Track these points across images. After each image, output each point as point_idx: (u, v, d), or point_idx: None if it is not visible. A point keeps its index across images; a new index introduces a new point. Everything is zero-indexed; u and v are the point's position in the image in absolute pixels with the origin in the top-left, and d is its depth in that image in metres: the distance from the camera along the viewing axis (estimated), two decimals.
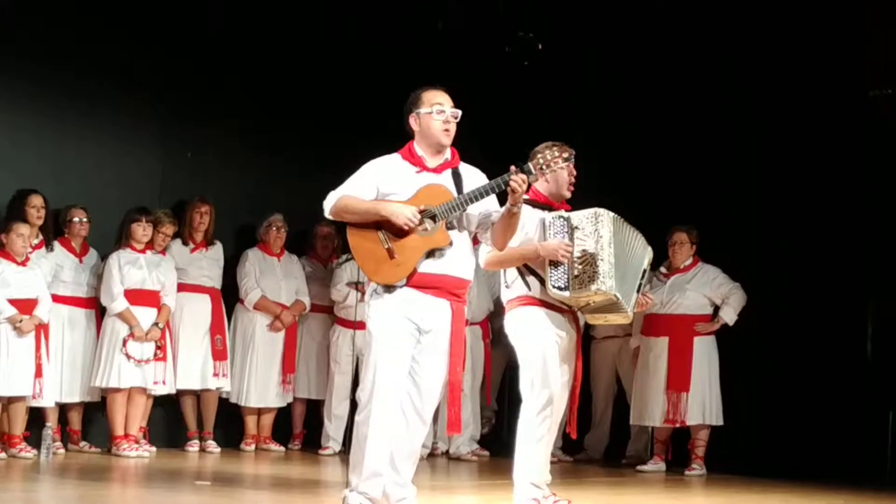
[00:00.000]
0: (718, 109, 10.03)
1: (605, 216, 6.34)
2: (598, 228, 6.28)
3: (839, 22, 9.60)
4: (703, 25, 10.07)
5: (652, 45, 10.32)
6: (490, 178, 5.93)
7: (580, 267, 6.24)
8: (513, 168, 5.75)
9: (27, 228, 8.31)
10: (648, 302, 6.72)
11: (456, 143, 5.99)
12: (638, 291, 6.46)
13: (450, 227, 5.84)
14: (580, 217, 6.33)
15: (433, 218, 5.78)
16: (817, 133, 9.61)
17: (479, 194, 5.79)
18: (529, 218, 6.30)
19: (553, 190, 6.51)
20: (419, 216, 5.74)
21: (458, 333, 5.90)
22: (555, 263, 6.25)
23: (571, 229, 6.29)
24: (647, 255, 6.53)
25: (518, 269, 6.43)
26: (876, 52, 9.56)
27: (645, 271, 6.50)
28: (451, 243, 5.81)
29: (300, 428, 9.88)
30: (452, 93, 6.01)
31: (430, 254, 5.79)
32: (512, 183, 5.71)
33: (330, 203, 5.88)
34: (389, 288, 5.78)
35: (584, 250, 6.25)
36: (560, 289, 6.26)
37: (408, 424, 5.82)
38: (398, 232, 5.76)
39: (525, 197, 5.86)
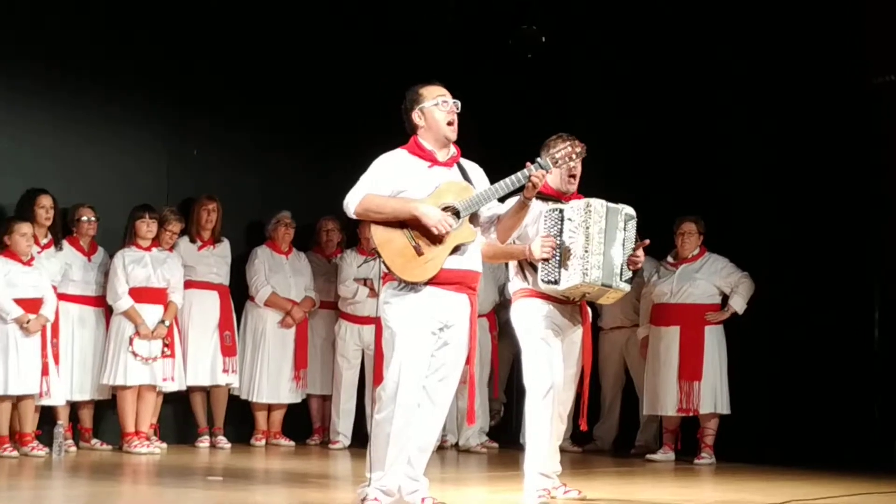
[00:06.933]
0: (722, 99, 10.05)
1: (597, 206, 6.36)
2: (587, 219, 6.31)
3: (841, 9, 9.60)
4: (706, 15, 10.07)
5: (655, 35, 10.33)
6: (491, 173, 5.98)
7: (569, 260, 6.28)
8: (529, 164, 5.81)
9: (29, 227, 8.32)
10: (637, 259, 6.51)
11: (458, 136, 6.01)
12: (620, 258, 6.39)
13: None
14: (572, 209, 6.37)
15: (456, 214, 5.81)
16: (821, 122, 9.62)
17: (500, 190, 5.83)
18: (530, 210, 6.35)
19: (559, 183, 6.55)
20: (449, 219, 5.76)
21: (474, 326, 5.96)
22: (545, 259, 6.31)
23: (562, 222, 6.33)
24: (621, 217, 6.42)
25: (518, 262, 6.51)
26: (877, 39, 9.56)
27: (622, 233, 6.40)
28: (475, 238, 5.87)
29: (318, 423, 9.91)
30: (455, 85, 6.03)
31: (454, 249, 5.82)
32: (534, 178, 5.79)
33: (354, 203, 5.84)
34: (414, 286, 5.79)
35: (572, 242, 6.29)
36: (549, 283, 6.34)
37: (424, 417, 5.85)
38: (426, 229, 5.77)
39: None
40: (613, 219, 6.40)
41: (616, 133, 10.24)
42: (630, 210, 6.50)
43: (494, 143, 9.00)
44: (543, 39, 10.67)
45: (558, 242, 6.31)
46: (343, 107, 10.18)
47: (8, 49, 8.83)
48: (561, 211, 6.37)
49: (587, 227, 6.31)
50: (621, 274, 6.42)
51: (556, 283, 6.33)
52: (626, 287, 6.49)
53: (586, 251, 6.29)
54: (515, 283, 6.58)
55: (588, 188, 6.66)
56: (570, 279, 6.31)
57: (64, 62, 9.06)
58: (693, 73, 10.13)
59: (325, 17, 10.24)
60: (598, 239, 6.32)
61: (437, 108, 5.91)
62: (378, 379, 6.13)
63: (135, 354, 8.68)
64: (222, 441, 9.30)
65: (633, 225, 6.49)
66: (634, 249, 6.48)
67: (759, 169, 9.89)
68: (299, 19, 10.12)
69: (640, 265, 6.58)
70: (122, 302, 8.74)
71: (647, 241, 6.54)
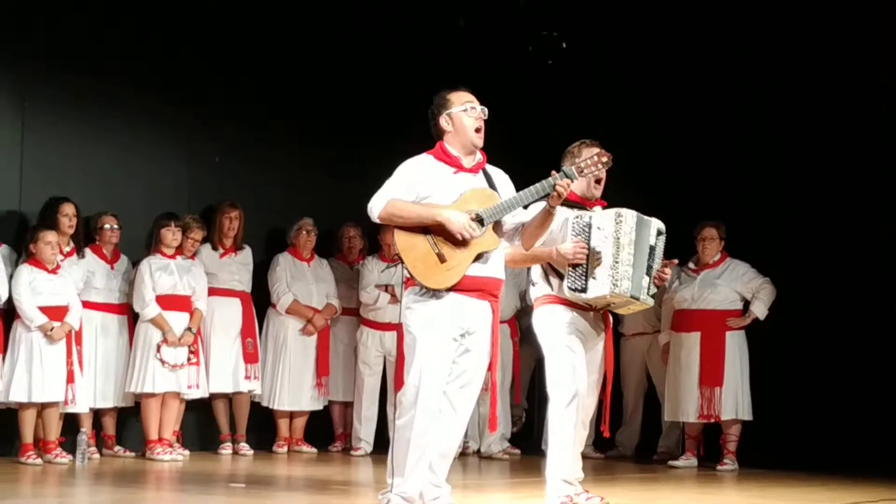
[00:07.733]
0: (738, 105, 10.04)
1: (628, 216, 6.31)
2: (617, 229, 6.26)
3: (853, 14, 9.59)
4: (722, 22, 10.08)
5: (673, 42, 10.34)
6: (514, 179, 5.97)
7: (597, 269, 6.26)
8: (554, 173, 5.80)
9: (54, 236, 8.37)
10: (665, 277, 6.52)
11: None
12: (649, 273, 6.37)
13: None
14: (602, 217, 6.33)
15: (480, 221, 5.80)
16: (835, 126, 9.63)
17: (525, 198, 5.82)
18: (555, 216, 6.33)
19: (584, 189, 6.53)
20: (474, 224, 5.76)
21: (496, 333, 5.96)
22: (573, 265, 6.28)
23: (591, 229, 6.31)
24: (652, 231, 6.39)
25: (542, 268, 6.47)
26: (890, 42, 9.54)
27: (652, 248, 6.38)
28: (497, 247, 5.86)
29: (340, 430, 9.92)
30: (475, 92, 6.04)
31: (477, 257, 5.82)
32: (559, 188, 5.77)
33: (378, 207, 5.84)
34: (436, 292, 5.79)
35: (600, 251, 6.26)
36: (575, 290, 6.28)
37: (446, 424, 5.85)
38: (449, 236, 5.77)
39: None
40: (644, 231, 6.36)
41: (635, 138, 10.22)
42: (660, 224, 6.44)
43: (514, 151, 8.99)
44: (564, 45, 10.68)
45: (590, 252, 6.27)
46: (364, 113, 10.20)
47: (30, 56, 8.88)
48: (589, 218, 6.35)
49: (617, 238, 6.25)
50: (648, 287, 6.40)
51: (582, 291, 6.27)
52: (651, 301, 6.47)
53: (616, 261, 6.24)
54: (539, 290, 6.53)
55: (607, 193, 6.64)
56: (598, 289, 6.25)
57: (85, 71, 9.08)
58: (712, 80, 10.12)
59: (344, 23, 10.26)
60: (628, 249, 6.26)
61: (465, 114, 5.92)
62: (399, 384, 6.15)
63: (162, 362, 8.72)
64: (245, 448, 9.32)
65: (662, 240, 6.46)
66: (662, 266, 6.46)
67: (777, 174, 9.88)
68: (317, 26, 10.14)
69: (665, 282, 6.58)
70: (150, 309, 8.78)
71: (676, 261, 6.56)
